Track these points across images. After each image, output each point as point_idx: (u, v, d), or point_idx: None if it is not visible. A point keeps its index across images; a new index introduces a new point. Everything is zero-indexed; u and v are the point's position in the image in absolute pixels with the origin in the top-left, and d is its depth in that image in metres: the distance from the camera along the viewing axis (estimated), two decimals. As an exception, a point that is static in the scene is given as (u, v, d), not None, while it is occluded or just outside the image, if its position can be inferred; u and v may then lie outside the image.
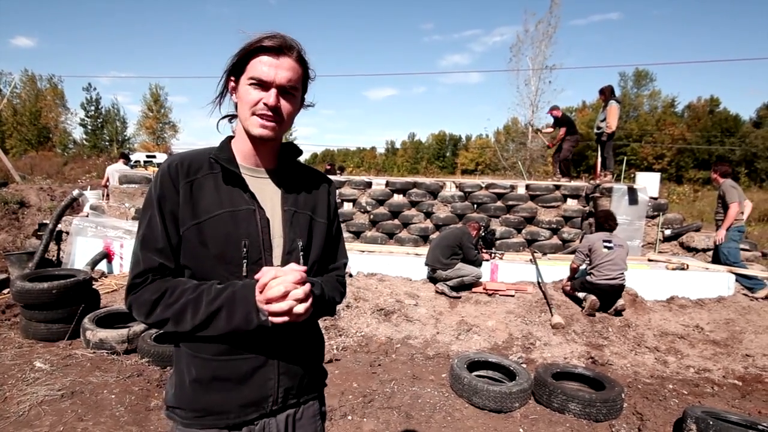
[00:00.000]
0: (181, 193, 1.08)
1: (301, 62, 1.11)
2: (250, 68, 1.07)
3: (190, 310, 1.04)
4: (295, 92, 1.11)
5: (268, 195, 1.17)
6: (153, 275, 1.08)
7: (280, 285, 0.99)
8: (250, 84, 1.08)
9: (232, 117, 1.22)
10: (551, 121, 9.80)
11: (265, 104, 1.07)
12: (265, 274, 1.02)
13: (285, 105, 1.10)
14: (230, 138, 1.20)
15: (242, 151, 1.16)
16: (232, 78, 1.13)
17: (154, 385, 3.47)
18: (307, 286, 1.02)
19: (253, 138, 1.12)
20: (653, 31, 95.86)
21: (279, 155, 1.22)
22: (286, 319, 1.01)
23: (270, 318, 1.02)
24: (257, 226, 1.12)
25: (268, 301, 1.01)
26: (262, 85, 1.07)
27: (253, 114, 1.08)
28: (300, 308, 1.01)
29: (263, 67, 1.06)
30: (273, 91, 1.07)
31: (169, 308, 1.05)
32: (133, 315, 1.09)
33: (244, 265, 1.09)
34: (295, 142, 1.30)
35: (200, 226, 1.08)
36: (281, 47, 1.07)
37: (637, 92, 43.66)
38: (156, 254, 1.08)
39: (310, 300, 1.03)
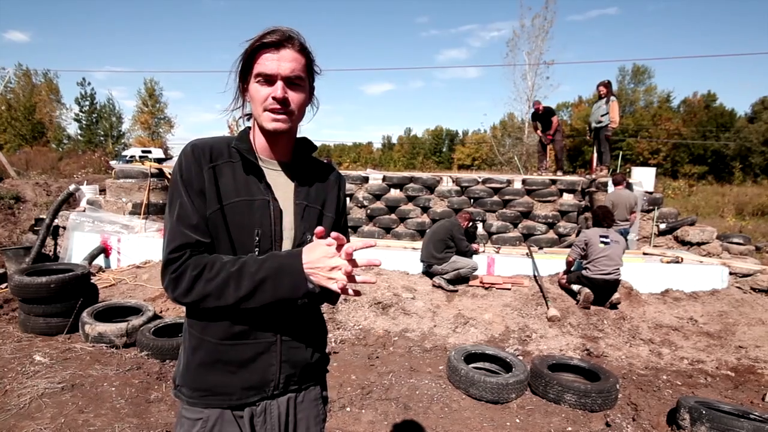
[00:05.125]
0: (206, 177, 1.12)
1: (304, 52, 1.13)
2: (256, 66, 1.11)
3: (233, 283, 1.06)
4: (301, 82, 1.13)
5: (281, 187, 1.20)
6: (191, 251, 1.09)
7: (336, 258, 1.02)
8: (257, 81, 1.11)
9: (249, 116, 1.24)
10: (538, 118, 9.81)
11: (273, 98, 1.10)
12: (322, 246, 1.04)
13: (293, 96, 1.12)
14: (249, 129, 1.23)
15: (259, 144, 1.20)
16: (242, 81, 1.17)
17: (153, 378, 3.49)
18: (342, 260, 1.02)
19: (267, 132, 1.15)
20: (650, 27, 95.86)
21: (294, 149, 1.25)
22: (337, 286, 1.03)
23: (326, 286, 1.03)
24: (270, 216, 1.15)
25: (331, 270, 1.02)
26: (269, 80, 1.10)
27: (265, 110, 1.11)
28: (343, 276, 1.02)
29: (266, 62, 1.09)
30: (279, 84, 1.10)
31: (211, 282, 1.06)
32: (171, 294, 1.08)
33: (256, 252, 1.13)
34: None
35: (222, 210, 1.12)
36: (281, 41, 1.09)
37: (634, 87, 43.68)
38: (191, 230, 1.09)
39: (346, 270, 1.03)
